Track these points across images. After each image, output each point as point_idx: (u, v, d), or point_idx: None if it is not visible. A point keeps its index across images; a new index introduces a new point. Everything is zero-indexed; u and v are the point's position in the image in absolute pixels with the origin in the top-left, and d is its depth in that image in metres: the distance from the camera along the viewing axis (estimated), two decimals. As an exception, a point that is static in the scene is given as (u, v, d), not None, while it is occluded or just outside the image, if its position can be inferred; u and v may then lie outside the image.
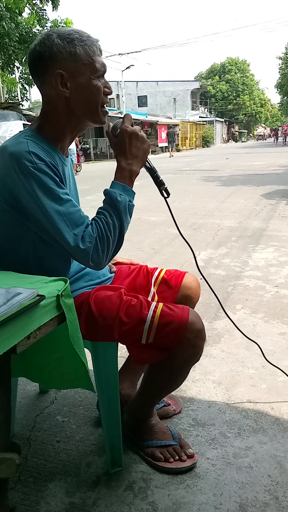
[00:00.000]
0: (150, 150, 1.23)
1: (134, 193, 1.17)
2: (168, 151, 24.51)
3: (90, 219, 1.11)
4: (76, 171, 13.38)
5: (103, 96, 1.15)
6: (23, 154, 1.02)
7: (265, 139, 52.01)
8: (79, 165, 14.00)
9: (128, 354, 1.63)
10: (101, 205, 1.14)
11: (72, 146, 10.66)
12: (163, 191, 1.30)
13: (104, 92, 1.15)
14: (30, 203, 1.04)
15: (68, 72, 1.09)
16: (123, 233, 1.13)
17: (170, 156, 22.66)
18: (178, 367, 1.26)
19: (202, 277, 1.49)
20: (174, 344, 1.20)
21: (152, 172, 1.27)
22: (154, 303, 1.23)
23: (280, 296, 2.71)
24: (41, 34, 1.12)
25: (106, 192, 1.14)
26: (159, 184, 1.29)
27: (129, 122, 1.19)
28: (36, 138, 1.10)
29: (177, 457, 1.34)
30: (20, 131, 1.15)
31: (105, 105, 1.17)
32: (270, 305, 2.56)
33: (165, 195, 1.30)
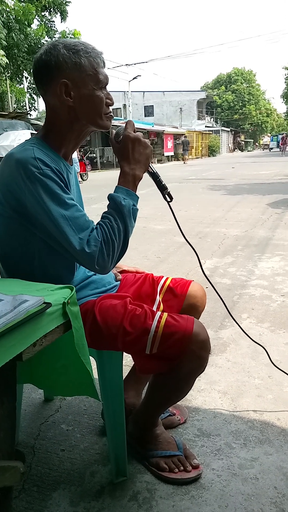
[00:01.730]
0: (152, 155, 1.24)
1: (138, 197, 1.19)
2: (183, 158, 27.06)
3: (95, 223, 1.12)
4: (82, 180, 13.47)
5: (105, 107, 1.18)
6: (29, 160, 1.04)
7: (271, 148, 52.16)
8: (85, 173, 14.09)
9: (133, 363, 1.63)
10: (106, 210, 1.16)
11: (74, 155, 10.76)
12: (166, 195, 1.31)
13: (106, 103, 1.18)
14: (36, 208, 1.05)
15: (73, 82, 1.12)
16: (128, 237, 1.14)
17: (184, 163, 25.30)
18: (183, 378, 1.25)
19: (209, 285, 1.49)
20: (179, 354, 1.20)
21: (155, 176, 1.29)
22: (158, 313, 1.23)
23: (286, 305, 2.70)
24: (47, 44, 1.14)
25: (110, 197, 1.15)
26: (162, 188, 1.30)
27: (132, 128, 1.21)
28: (42, 145, 1.12)
29: (182, 468, 1.33)
30: (26, 140, 1.17)
31: (108, 113, 1.19)
32: (277, 315, 2.55)
33: (168, 199, 1.31)
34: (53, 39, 17.71)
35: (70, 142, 1.20)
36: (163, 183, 1.29)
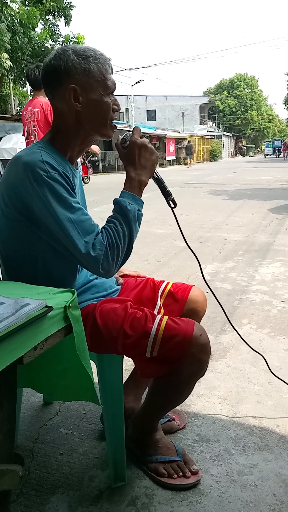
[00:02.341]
0: (158, 161, 1.25)
1: (143, 202, 1.20)
2: (185, 163, 28.02)
3: (100, 227, 1.13)
4: (84, 183, 13.50)
5: (112, 113, 1.19)
6: (37, 163, 1.05)
7: (281, 152, 52.24)
8: (87, 177, 14.14)
9: (132, 368, 1.63)
10: (111, 214, 1.16)
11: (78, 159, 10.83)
12: (170, 201, 1.31)
13: (113, 109, 1.20)
14: (43, 211, 1.06)
15: (81, 87, 1.13)
16: (132, 241, 1.15)
17: (188, 167, 25.98)
18: (183, 381, 1.25)
19: (208, 290, 1.49)
20: (179, 358, 1.20)
21: (160, 182, 1.30)
22: (159, 316, 1.23)
23: (286, 311, 2.69)
24: (56, 49, 1.16)
25: (115, 201, 1.16)
26: (166, 194, 1.31)
27: (138, 135, 1.22)
28: (49, 149, 1.13)
29: (181, 473, 1.32)
30: (33, 143, 1.18)
31: (113, 120, 1.20)
32: (277, 321, 2.55)
33: (172, 205, 1.32)
34: (57, 42, 17.88)
35: (75, 147, 1.21)
36: (167, 189, 1.31)
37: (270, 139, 47.36)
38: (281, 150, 33.81)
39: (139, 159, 1.20)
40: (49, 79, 1.16)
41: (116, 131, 1.25)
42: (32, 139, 4.06)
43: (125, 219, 1.13)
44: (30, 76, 3.92)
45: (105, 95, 1.16)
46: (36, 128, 4.03)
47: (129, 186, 1.19)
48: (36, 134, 4.04)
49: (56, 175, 1.06)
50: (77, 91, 1.13)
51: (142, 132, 1.26)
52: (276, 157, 37.43)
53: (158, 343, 1.19)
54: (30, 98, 4.38)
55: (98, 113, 1.16)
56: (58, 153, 1.16)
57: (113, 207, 1.16)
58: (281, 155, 35.61)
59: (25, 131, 4.13)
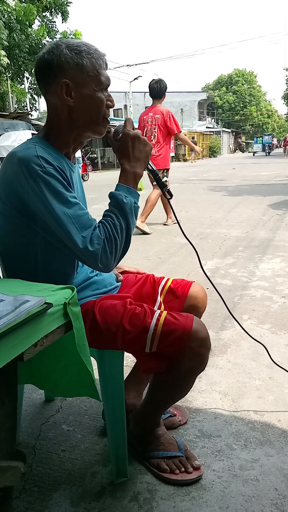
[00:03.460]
0: (151, 152, 1.25)
1: (139, 195, 1.19)
2: (190, 158, 30.36)
3: (97, 222, 1.13)
4: (83, 180, 13.48)
5: (105, 109, 1.18)
6: (31, 158, 1.04)
7: (272, 149, 52.07)
8: (86, 174, 14.12)
9: (133, 364, 1.63)
10: (107, 208, 1.16)
11: (77, 154, 10.83)
12: (165, 192, 1.31)
13: (107, 105, 1.18)
14: (39, 206, 1.06)
15: (74, 82, 1.12)
16: (130, 234, 1.15)
17: (192, 162, 28.35)
18: (183, 376, 1.25)
19: (209, 286, 1.49)
20: (179, 352, 1.20)
21: (155, 173, 1.30)
22: (158, 311, 1.23)
23: (287, 307, 2.69)
24: (50, 43, 1.15)
25: (111, 195, 1.16)
26: (162, 186, 1.31)
27: (131, 126, 1.21)
28: (44, 144, 1.13)
29: (183, 469, 1.32)
30: (28, 139, 1.18)
31: (107, 117, 1.19)
32: (277, 316, 2.55)
33: (168, 197, 1.32)
34: (54, 39, 17.80)
35: (70, 142, 1.20)
36: (162, 180, 1.30)
37: (259, 135, 43.73)
38: (282, 146, 33.27)
39: (132, 151, 1.19)
40: (42, 74, 1.15)
41: (111, 125, 1.25)
42: (152, 139, 5.14)
43: (122, 212, 1.13)
44: (152, 88, 5.05)
45: (98, 91, 1.15)
46: (156, 130, 5.13)
47: (124, 179, 1.18)
48: (156, 135, 5.14)
49: (51, 170, 1.05)
50: (70, 86, 1.12)
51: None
52: (266, 154, 34.30)
53: (157, 338, 1.19)
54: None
55: (91, 109, 1.15)
56: (54, 148, 1.15)
57: (109, 201, 1.16)
58: (272, 153, 34.88)
59: (145, 131, 5.18)
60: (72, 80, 1.12)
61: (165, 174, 5.21)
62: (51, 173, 1.05)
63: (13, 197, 1.09)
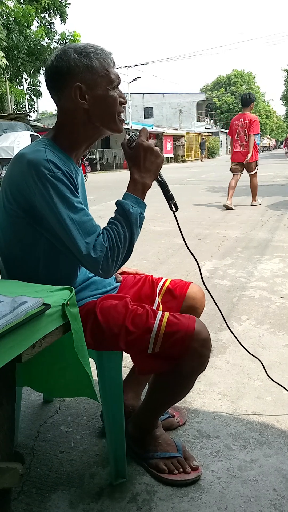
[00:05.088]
0: (162, 164, 1.25)
1: (146, 205, 1.20)
2: (200, 157, 32.83)
3: (101, 228, 1.13)
4: (83, 181, 13.47)
5: (119, 106, 1.19)
6: (41, 162, 1.05)
7: (271, 150, 52.10)
8: (85, 175, 14.11)
9: (132, 365, 1.63)
10: (113, 215, 1.17)
11: None
12: (172, 205, 1.31)
13: (120, 102, 1.19)
14: (45, 209, 1.06)
15: (86, 85, 1.13)
16: (133, 244, 1.16)
17: (201, 161, 30.80)
18: (184, 377, 1.25)
19: (209, 286, 1.49)
20: (181, 353, 1.20)
21: (163, 186, 1.29)
22: (160, 312, 1.24)
23: (286, 307, 2.70)
24: (57, 50, 1.16)
25: (118, 203, 1.16)
26: (169, 198, 1.30)
27: (145, 136, 1.22)
28: (53, 147, 1.13)
29: (181, 469, 1.32)
30: (36, 140, 1.18)
31: (121, 114, 1.20)
32: (276, 317, 2.55)
33: (174, 209, 1.32)
34: (53, 40, 17.82)
35: (82, 145, 1.21)
36: (170, 192, 1.30)
37: (268, 136, 44.51)
38: (283, 147, 32.94)
39: (144, 161, 1.20)
40: (53, 81, 1.16)
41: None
42: (242, 141, 6.71)
43: (127, 221, 1.14)
44: (243, 98, 6.60)
45: (111, 89, 1.16)
46: (246, 132, 6.62)
47: (132, 188, 1.19)
48: (245, 135, 6.66)
49: (60, 175, 1.06)
50: (83, 89, 1.13)
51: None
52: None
53: (160, 339, 1.19)
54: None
55: (106, 108, 1.16)
56: (62, 151, 1.16)
57: (115, 208, 1.16)
58: (271, 153, 34.46)
59: (236, 133, 6.72)
60: (84, 83, 1.13)
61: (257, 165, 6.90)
62: (60, 178, 1.06)
63: (19, 197, 1.09)
